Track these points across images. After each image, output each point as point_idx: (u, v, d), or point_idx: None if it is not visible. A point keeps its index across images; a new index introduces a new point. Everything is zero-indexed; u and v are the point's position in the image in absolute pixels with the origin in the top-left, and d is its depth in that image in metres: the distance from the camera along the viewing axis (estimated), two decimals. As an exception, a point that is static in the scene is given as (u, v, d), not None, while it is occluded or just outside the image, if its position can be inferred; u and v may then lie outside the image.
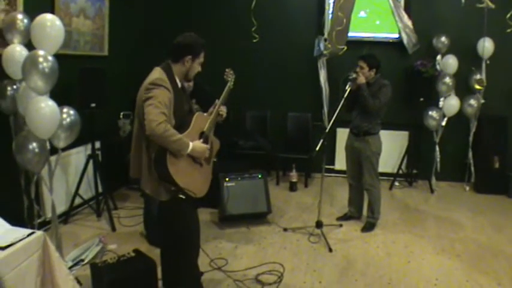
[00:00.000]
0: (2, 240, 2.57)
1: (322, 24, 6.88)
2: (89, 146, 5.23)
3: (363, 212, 5.39)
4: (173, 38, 3.17)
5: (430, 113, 6.48)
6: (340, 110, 4.68)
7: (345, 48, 6.18)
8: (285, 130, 7.19)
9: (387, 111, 4.99)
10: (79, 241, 4.62)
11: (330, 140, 6.49)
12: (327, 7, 6.85)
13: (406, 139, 6.97)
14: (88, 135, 5.03)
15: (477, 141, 6.65)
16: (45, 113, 3.73)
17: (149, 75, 3.05)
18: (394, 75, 6.39)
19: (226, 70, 3.61)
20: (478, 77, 6.37)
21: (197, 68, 3.21)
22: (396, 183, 6.83)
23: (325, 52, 6.45)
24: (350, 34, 6.24)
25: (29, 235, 2.70)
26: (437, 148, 6.65)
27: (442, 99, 6.48)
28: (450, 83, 6.32)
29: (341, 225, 5.24)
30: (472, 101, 6.45)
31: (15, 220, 2.97)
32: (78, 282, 3.46)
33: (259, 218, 5.29)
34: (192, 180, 3.10)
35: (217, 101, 3.38)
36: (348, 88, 4.74)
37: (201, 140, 3.15)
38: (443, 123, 6.54)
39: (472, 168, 6.71)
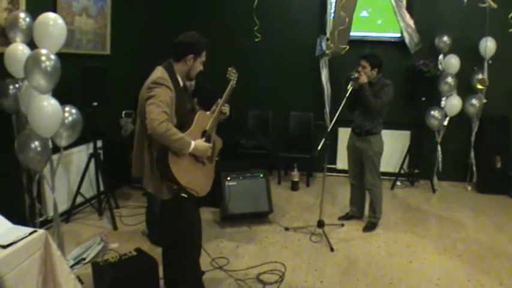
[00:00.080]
0: (3, 239, 2.57)
1: (324, 24, 6.87)
2: (91, 145, 5.23)
3: (364, 211, 5.39)
4: (175, 37, 3.17)
5: (432, 112, 6.48)
6: (342, 109, 4.67)
7: (347, 47, 6.17)
8: (287, 129, 7.18)
9: (389, 111, 4.98)
10: (81, 240, 4.63)
11: (331, 139, 6.51)
12: (329, 6, 6.84)
13: (408, 139, 6.97)
14: (90, 134, 5.03)
15: (479, 141, 6.64)
16: (48, 111, 3.73)
17: (151, 74, 3.05)
18: (396, 74, 6.38)
19: (229, 69, 3.60)
20: (480, 76, 6.35)
21: (199, 66, 3.21)
22: (398, 183, 6.83)
23: (327, 51, 6.45)
24: (352, 33, 6.23)
25: (30, 234, 2.70)
26: (439, 148, 6.65)
27: (444, 98, 6.48)
28: (452, 83, 6.31)
29: (343, 225, 5.24)
30: (474, 101, 6.44)
31: (16, 219, 2.97)
32: (80, 281, 3.47)
33: (260, 217, 5.30)
34: (195, 179, 3.10)
35: (219, 100, 3.38)
36: (350, 87, 4.73)
37: (203, 139, 3.15)
38: (445, 123, 6.54)
39: (474, 168, 6.70)
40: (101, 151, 5.35)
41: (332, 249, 4.59)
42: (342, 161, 6.76)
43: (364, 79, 4.76)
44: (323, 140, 4.61)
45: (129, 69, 6.44)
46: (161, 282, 3.58)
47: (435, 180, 6.69)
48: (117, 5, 6.06)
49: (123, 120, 6.18)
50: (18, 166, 4.18)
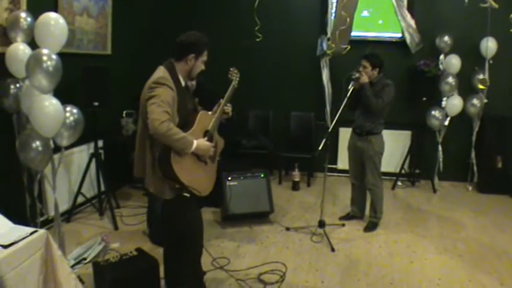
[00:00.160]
0: (4, 239, 2.57)
1: (325, 24, 6.87)
2: (92, 145, 5.23)
3: (365, 211, 5.39)
4: (176, 37, 3.17)
5: (432, 112, 6.48)
6: (343, 109, 4.67)
7: (348, 47, 6.17)
8: (288, 129, 7.18)
9: (390, 111, 4.98)
10: (81, 240, 4.63)
11: (332, 139, 6.52)
12: (330, 6, 6.84)
13: (408, 139, 6.97)
14: (91, 133, 5.03)
15: (480, 141, 6.64)
16: (49, 111, 3.73)
17: (153, 74, 3.05)
18: (397, 74, 6.37)
19: (231, 69, 3.60)
20: (481, 76, 6.35)
21: (200, 66, 3.21)
22: (399, 183, 6.83)
23: (328, 51, 6.44)
24: (353, 33, 6.22)
25: (31, 233, 2.71)
26: (440, 148, 6.65)
27: (444, 99, 6.48)
28: (453, 83, 6.31)
29: (343, 225, 5.24)
30: (475, 101, 6.44)
31: (17, 218, 2.98)
32: (81, 280, 3.46)
33: (261, 217, 5.30)
34: (197, 178, 3.10)
35: (221, 100, 3.38)
36: (350, 87, 4.73)
37: (206, 139, 3.15)
38: (446, 123, 6.54)
39: (475, 168, 6.69)
40: (101, 151, 5.35)
41: (333, 249, 4.58)
42: (343, 161, 6.76)
43: (365, 79, 4.76)
44: (324, 140, 4.60)
45: (130, 69, 6.44)
46: (162, 282, 3.58)
47: (436, 180, 6.70)
48: (118, 5, 6.07)
49: (124, 120, 6.19)
50: (19, 166, 4.18)
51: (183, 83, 3.17)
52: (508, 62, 6.48)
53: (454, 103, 6.42)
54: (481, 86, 6.33)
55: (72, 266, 3.88)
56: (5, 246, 2.50)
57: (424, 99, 6.49)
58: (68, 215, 5.15)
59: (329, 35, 6.60)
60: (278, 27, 7.01)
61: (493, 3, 5.88)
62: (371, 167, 4.98)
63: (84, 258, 4.14)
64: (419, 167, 6.92)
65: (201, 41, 3.16)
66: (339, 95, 5.17)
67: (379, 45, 6.71)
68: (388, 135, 5.24)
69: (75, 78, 4.74)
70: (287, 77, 7.19)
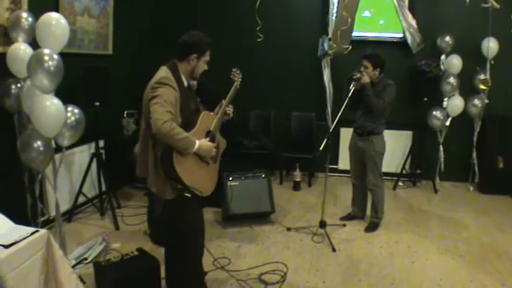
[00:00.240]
0: (5, 239, 2.58)
1: (327, 24, 6.87)
2: (93, 145, 5.22)
3: (366, 211, 5.39)
4: (177, 37, 3.17)
5: (434, 113, 6.48)
6: (344, 109, 4.67)
7: (350, 47, 6.16)
8: (289, 130, 7.18)
9: (391, 111, 4.98)
10: (82, 240, 4.63)
11: (333, 139, 6.51)
12: (331, 7, 6.84)
13: (410, 139, 6.96)
14: (92, 133, 5.03)
15: (481, 141, 6.63)
16: (51, 111, 3.74)
17: (155, 74, 3.05)
18: (398, 74, 6.37)
19: (233, 70, 3.59)
20: (482, 77, 6.35)
21: (203, 66, 3.20)
22: (400, 183, 6.82)
23: (329, 52, 6.44)
24: (354, 34, 6.22)
25: (32, 233, 2.71)
26: (441, 148, 6.65)
27: (446, 99, 6.48)
28: (454, 83, 6.31)
29: (344, 225, 5.24)
30: (476, 101, 6.44)
31: (18, 218, 2.98)
32: (82, 280, 3.46)
33: (262, 217, 5.30)
34: (199, 178, 3.10)
35: (223, 100, 3.38)
36: (352, 88, 4.73)
37: (208, 139, 3.15)
38: (447, 123, 6.54)
39: (476, 168, 6.69)
40: (102, 151, 5.35)
41: (334, 250, 4.58)
42: (344, 161, 6.75)
43: (366, 79, 4.76)
44: (325, 140, 4.60)
45: (131, 69, 6.45)
46: (163, 282, 3.57)
47: (437, 180, 6.69)
48: (119, 4, 6.07)
49: (125, 120, 6.19)
50: (20, 166, 4.19)
51: (185, 83, 3.17)
52: (509, 62, 6.47)
53: (455, 103, 6.42)
54: (482, 86, 6.33)
55: (73, 266, 3.89)
56: (6, 246, 2.50)
57: (425, 99, 6.49)
58: (69, 215, 5.15)
59: (330, 35, 6.60)
60: (279, 28, 7.01)
61: (495, 3, 5.88)
62: (372, 167, 4.97)
63: (85, 258, 4.15)
64: (420, 167, 6.92)
65: (204, 41, 3.16)
66: (340, 95, 5.16)
67: (380, 46, 6.71)
68: (389, 135, 5.23)
69: (76, 78, 4.74)
70: (288, 77, 7.19)
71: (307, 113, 7.10)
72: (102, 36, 5.84)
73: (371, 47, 6.44)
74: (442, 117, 6.45)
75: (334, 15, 6.59)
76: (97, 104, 4.94)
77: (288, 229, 5.08)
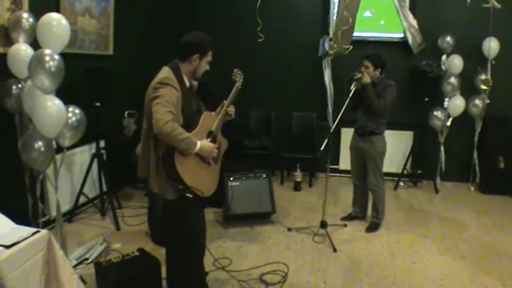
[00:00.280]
0: (6, 239, 2.58)
1: (327, 24, 6.87)
2: (94, 145, 5.23)
3: (367, 212, 5.39)
4: (178, 37, 3.17)
5: (435, 113, 6.47)
6: (345, 109, 4.67)
7: (351, 47, 6.16)
8: (290, 130, 7.18)
9: (392, 111, 4.98)
10: (83, 240, 4.63)
11: (334, 139, 6.51)
12: (332, 7, 6.84)
13: (410, 139, 6.96)
14: (93, 134, 5.04)
15: (482, 142, 6.63)
16: (52, 112, 3.74)
17: (157, 75, 3.05)
18: (399, 75, 6.37)
19: (235, 70, 3.59)
20: (483, 77, 6.34)
21: (205, 66, 3.20)
22: (401, 184, 6.82)
23: (330, 52, 6.44)
24: (355, 34, 6.19)
25: (33, 234, 2.71)
26: (442, 148, 6.64)
27: (447, 99, 6.47)
28: (455, 83, 6.30)
29: (345, 225, 5.24)
30: (477, 101, 6.43)
31: (19, 219, 2.98)
32: (83, 281, 3.47)
33: (263, 217, 5.29)
34: (200, 179, 3.10)
35: (225, 101, 3.38)
36: (352, 88, 4.73)
37: (209, 139, 3.15)
38: (448, 124, 6.53)
39: (477, 169, 6.69)
40: (103, 151, 5.35)
41: (335, 250, 4.58)
42: (345, 162, 6.74)
43: (367, 79, 4.76)
44: (326, 141, 4.60)
45: (131, 70, 6.46)
46: (164, 282, 3.57)
47: (438, 180, 6.69)
48: (120, 5, 6.08)
49: (125, 121, 6.19)
50: (21, 166, 4.19)
51: (187, 84, 3.17)
52: (510, 62, 6.46)
53: (456, 103, 6.41)
54: (483, 87, 6.32)
55: (74, 266, 3.89)
56: (7, 247, 2.50)
57: (426, 99, 6.49)
58: (70, 216, 5.15)
59: (331, 35, 6.60)
60: (280, 28, 7.01)
61: (496, 3, 5.87)
62: (373, 167, 4.97)
63: (86, 259, 4.15)
64: (421, 168, 6.92)
65: (205, 42, 3.16)
66: (341, 95, 5.15)
67: (381, 46, 6.70)
68: (390, 135, 5.22)
69: (77, 78, 4.74)
70: (289, 77, 7.19)
71: (308, 113, 7.10)
72: (103, 37, 5.84)
73: (372, 47, 6.43)
74: (443, 118, 6.45)
75: (335, 15, 6.59)
76: (98, 104, 4.94)
77: (289, 229, 5.08)
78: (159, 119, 2.79)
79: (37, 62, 3.67)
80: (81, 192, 5.16)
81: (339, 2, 6.02)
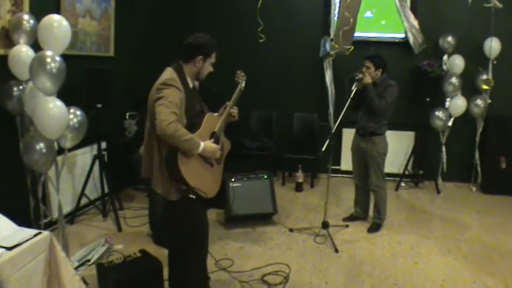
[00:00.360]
0: (8, 241, 2.58)
1: (328, 25, 6.87)
2: (95, 147, 5.23)
3: (369, 212, 5.38)
4: (179, 38, 3.18)
5: (436, 113, 6.46)
6: (346, 110, 4.67)
7: (352, 48, 6.15)
8: (291, 130, 7.18)
9: (393, 112, 4.97)
10: (85, 241, 4.63)
11: (336, 140, 6.50)
12: (332, 7, 6.84)
13: (412, 139, 6.95)
14: (94, 135, 5.04)
15: (484, 142, 6.62)
16: (54, 113, 3.74)
17: (161, 76, 3.06)
18: (400, 75, 6.37)
19: (238, 72, 3.59)
20: (484, 77, 6.34)
21: (208, 68, 3.21)
22: (402, 184, 6.81)
23: (331, 52, 6.43)
24: (356, 34, 6.19)
25: (35, 235, 2.71)
26: (443, 148, 6.63)
27: (448, 99, 6.46)
28: (457, 83, 6.30)
29: (347, 226, 5.23)
30: (479, 101, 6.42)
31: (21, 220, 2.98)
32: (85, 282, 3.47)
33: (265, 218, 5.29)
34: (203, 180, 3.10)
35: (228, 102, 3.38)
36: (354, 88, 4.73)
37: (212, 140, 3.16)
38: (450, 124, 6.52)
39: (479, 169, 6.68)
40: (105, 153, 5.35)
41: (337, 251, 4.58)
42: (346, 162, 6.73)
43: (368, 80, 4.75)
44: (327, 141, 4.60)
45: (133, 71, 6.46)
46: (166, 283, 3.57)
47: (440, 181, 6.68)
48: (121, 6, 6.08)
49: (127, 122, 6.19)
50: (23, 168, 4.19)
51: (191, 85, 3.18)
52: (511, 62, 6.45)
53: (457, 104, 6.41)
54: (484, 87, 6.32)
55: (76, 268, 3.88)
56: (9, 248, 2.50)
57: (428, 99, 6.48)
58: (72, 217, 5.15)
59: (332, 35, 6.60)
60: (281, 28, 7.00)
61: (497, 3, 5.87)
62: (374, 168, 4.97)
63: (88, 260, 4.15)
64: (422, 168, 6.92)
65: (209, 43, 3.17)
66: (342, 96, 5.15)
67: (382, 46, 6.70)
68: (391, 136, 5.22)
69: (78, 80, 4.74)
70: (290, 78, 7.19)
71: (309, 113, 7.09)
72: (104, 38, 5.85)
73: (373, 47, 6.43)
74: (444, 118, 6.44)
75: (336, 15, 6.60)
76: (99, 105, 4.94)
77: (291, 230, 5.08)
78: (163, 119, 2.79)
79: (38, 64, 3.67)
80: (82, 193, 5.15)
81: (340, 2, 6.02)
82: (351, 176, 5.59)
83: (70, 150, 4.34)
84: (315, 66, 6.97)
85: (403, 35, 6.77)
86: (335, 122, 4.88)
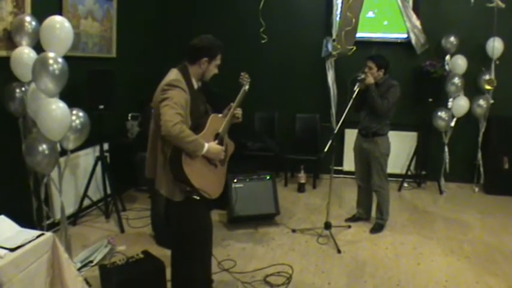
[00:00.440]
0: (11, 242, 2.58)
1: (330, 25, 6.86)
2: (98, 148, 5.23)
3: (371, 213, 5.37)
4: (181, 39, 3.19)
5: (439, 113, 6.46)
6: (348, 110, 4.66)
7: (354, 48, 6.15)
8: (293, 131, 7.17)
9: (396, 112, 4.97)
10: (88, 242, 4.64)
11: (338, 141, 6.50)
12: (334, 8, 6.84)
13: (414, 140, 6.94)
14: (96, 137, 5.03)
15: (486, 142, 6.61)
16: (57, 115, 3.74)
17: (166, 76, 3.06)
18: (403, 75, 6.36)
19: (242, 74, 3.59)
20: (487, 77, 6.33)
21: (214, 70, 3.22)
22: (405, 185, 6.80)
23: (334, 52, 6.43)
24: (358, 34, 6.19)
25: (38, 237, 2.72)
26: (446, 149, 6.62)
27: (451, 99, 6.46)
28: (459, 84, 6.29)
29: (350, 227, 5.23)
30: (481, 102, 6.42)
31: (24, 222, 2.99)
32: (87, 283, 3.48)
33: (267, 219, 5.29)
34: (207, 181, 3.11)
35: (232, 103, 3.39)
36: (356, 89, 4.72)
37: (216, 142, 3.16)
38: (452, 124, 6.52)
39: (481, 169, 6.66)
40: (107, 154, 5.36)
41: (339, 251, 4.57)
42: (349, 163, 6.74)
43: (370, 80, 4.75)
44: (330, 142, 4.60)
45: (135, 72, 6.46)
46: (168, 284, 3.57)
47: (442, 181, 6.67)
48: (123, 7, 6.07)
49: (129, 123, 6.19)
50: (25, 169, 4.20)
51: (195, 86, 3.18)
52: (514, 62, 6.45)
53: (460, 104, 6.40)
54: (487, 87, 6.30)
55: (78, 269, 3.89)
56: (12, 250, 2.51)
57: (430, 100, 6.46)
58: (74, 218, 5.15)
59: (334, 36, 6.60)
60: (283, 29, 7.00)
61: (500, 3, 5.85)
62: (377, 168, 4.96)
63: (91, 261, 4.15)
64: (425, 169, 6.90)
65: (215, 45, 3.17)
66: (344, 96, 5.16)
67: (385, 46, 6.69)
68: (394, 136, 5.22)
69: (80, 81, 4.74)
70: (292, 79, 7.19)
71: (312, 114, 7.08)
72: (106, 39, 5.85)
73: (375, 47, 6.42)
74: (447, 118, 6.43)
75: (338, 16, 6.59)
76: (101, 107, 4.94)
77: (293, 231, 5.07)
78: (168, 120, 2.79)
79: (41, 65, 3.67)
80: (85, 194, 5.16)
81: (342, 2, 6.02)
82: (353, 176, 5.59)
83: (72, 151, 4.34)
84: (317, 66, 6.97)
85: (405, 35, 6.76)
86: (337, 122, 4.87)
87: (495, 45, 6.21)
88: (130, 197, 6.11)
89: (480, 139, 6.62)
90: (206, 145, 2.99)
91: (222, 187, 3.34)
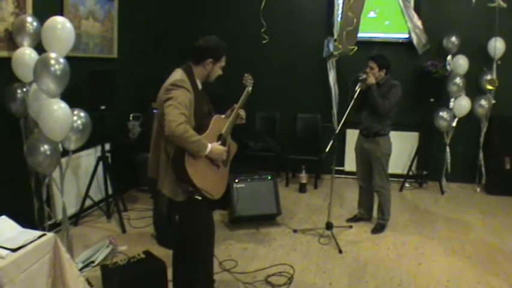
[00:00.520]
0: (13, 242, 2.59)
1: (332, 25, 6.86)
2: (99, 148, 5.23)
3: (373, 213, 5.37)
4: (182, 39, 3.20)
5: (440, 113, 6.45)
6: (349, 111, 4.66)
7: (355, 48, 6.15)
8: (294, 131, 7.17)
9: (397, 112, 4.96)
10: (89, 243, 4.64)
11: (339, 141, 6.49)
12: (336, 7, 6.83)
13: (416, 140, 6.93)
14: (98, 137, 5.03)
15: (488, 142, 6.60)
16: (58, 115, 3.74)
17: (170, 76, 3.07)
18: (404, 75, 6.34)
19: (245, 75, 3.60)
20: (489, 77, 6.32)
21: (218, 71, 3.23)
22: (406, 185, 6.79)
23: (335, 53, 6.42)
24: (359, 35, 6.20)
25: (39, 237, 2.72)
26: (447, 149, 6.62)
27: (452, 99, 6.45)
28: (461, 84, 6.28)
29: (351, 227, 5.23)
30: (483, 102, 6.41)
31: (26, 222, 2.99)
32: (89, 283, 3.48)
33: (268, 219, 5.29)
34: (210, 181, 3.11)
35: (235, 104, 3.39)
36: (357, 89, 4.71)
37: (219, 142, 3.16)
38: (454, 124, 6.51)
39: (483, 169, 6.66)
40: (108, 154, 5.36)
41: (340, 251, 4.57)
42: (350, 163, 6.74)
43: (371, 80, 4.74)
44: (331, 142, 4.59)
45: (136, 72, 6.46)
46: (170, 284, 3.57)
47: (444, 181, 6.66)
48: (124, 8, 6.08)
49: (130, 124, 6.19)
50: (27, 170, 4.20)
51: (199, 86, 3.19)
52: (515, 62, 6.44)
53: (461, 104, 6.39)
54: (489, 87, 6.30)
55: (80, 269, 3.89)
56: (14, 250, 2.51)
57: (432, 100, 6.46)
58: (76, 219, 5.16)
59: (336, 36, 6.60)
60: (284, 29, 7.00)
61: (501, 3, 5.85)
62: (378, 168, 4.96)
63: (92, 261, 4.16)
64: (427, 169, 6.89)
65: (220, 46, 3.18)
66: (346, 96, 5.14)
67: (386, 46, 6.69)
68: (395, 136, 5.21)
69: (82, 82, 4.74)
70: (294, 79, 7.18)
71: (313, 114, 7.08)
72: (107, 40, 5.85)
73: (376, 48, 6.42)
74: (448, 118, 6.43)
75: (339, 16, 6.58)
76: (103, 107, 4.94)
77: (295, 231, 5.07)
78: (171, 120, 2.80)
79: (42, 66, 3.67)
80: (86, 195, 5.16)
81: (343, 2, 6.01)
82: (354, 176, 5.58)
83: (74, 152, 4.35)
84: (318, 66, 6.96)
85: (406, 35, 6.75)
86: (339, 122, 4.87)
87: (497, 45, 6.21)
88: (132, 197, 6.11)
89: (482, 139, 6.61)
90: (209, 145, 3.00)
91: (224, 188, 3.34)
